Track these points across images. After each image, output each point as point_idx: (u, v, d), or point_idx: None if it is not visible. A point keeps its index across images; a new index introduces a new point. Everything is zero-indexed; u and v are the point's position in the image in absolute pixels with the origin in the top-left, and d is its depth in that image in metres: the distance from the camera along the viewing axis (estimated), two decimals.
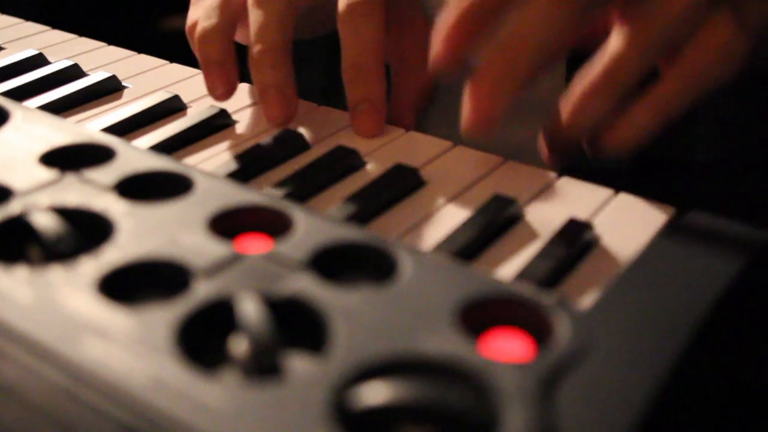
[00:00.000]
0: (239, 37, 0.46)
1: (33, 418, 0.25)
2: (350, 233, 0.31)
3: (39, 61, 0.52)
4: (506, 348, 0.27)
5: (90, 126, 0.42)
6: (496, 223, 0.35)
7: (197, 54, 0.44)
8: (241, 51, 0.46)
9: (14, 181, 0.34)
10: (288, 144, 0.42)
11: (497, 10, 0.36)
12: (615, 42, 0.37)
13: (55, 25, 0.59)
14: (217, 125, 0.44)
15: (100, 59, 0.53)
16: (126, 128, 0.43)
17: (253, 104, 0.47)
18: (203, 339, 0.27)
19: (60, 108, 0.45)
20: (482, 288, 0.28)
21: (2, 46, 0.56)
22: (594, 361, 0.25)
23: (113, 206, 0.33)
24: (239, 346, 0.26)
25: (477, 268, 0.32)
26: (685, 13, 0.36)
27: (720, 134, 0.53)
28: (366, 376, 0.25)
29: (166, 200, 0.33)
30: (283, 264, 0.29)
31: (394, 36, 0.45)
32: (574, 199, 0.37)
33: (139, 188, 0.34)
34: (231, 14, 0.44)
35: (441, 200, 0.37)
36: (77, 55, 0.54)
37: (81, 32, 0.58)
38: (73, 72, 0.50)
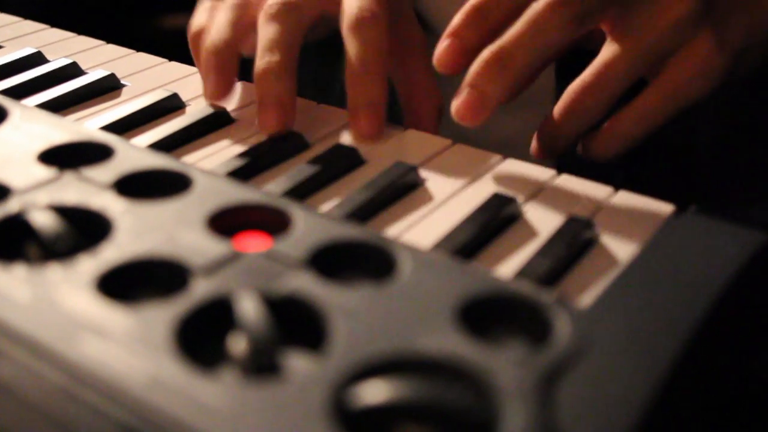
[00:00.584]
0: (245, 50, 0.46)
1: (31, 418, 0.25)
2: (349, 231, 0.31)
3: (37, 59, 0.51)
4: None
5: (88, 124, 0.42)
6: (495, 221, 0.35)
7: (201, 61, 0.45)
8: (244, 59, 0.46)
9: (12, 179, 0.34)
10: (287, 142, 0.42)
11: (501, 18, 0.40)
12: (606, 52, 0.40)
13: (54, 23, 0.59)
14: (216, 124, 0.44)
15: (98, 57, 0.53)
16: (125, 126, 0.43)
17: (252, 103, 0.47)
18: (202, 338, 0.27)
19: (58, 106, 0.45)
20: (482, 286, 0.28)
21: (1, 44, 0.56)
22: (593, 360, 0.25)
23: (112, 204, 0.33)
24: (238, 344, 0.26)
25: (476, 266, 0.32)
26: (671, 28, 0.39)
27: (722, 118, 0.53)
28: (365, 374, 0.25)
29: (164, 199, 0.33)
30: (282, 262, 0.29)
31: (399, 59, 0.46)
32: (573, 197, 0.37)
33: (138, 186, 0.34)
34: (242, 31, 0.46)
35: (440, 198, 0.37)
36: (76, 53, 0.54)
37: (79, 30, 0.58)
38: (72, 70, 0.50)
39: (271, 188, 0.37)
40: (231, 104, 0.46)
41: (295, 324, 0.27)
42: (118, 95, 0.48)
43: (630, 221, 0.35)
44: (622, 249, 0.33)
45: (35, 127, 0.39)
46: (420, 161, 0.40)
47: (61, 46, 0.55)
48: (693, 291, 0.29)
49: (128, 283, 0.29)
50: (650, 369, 0.25)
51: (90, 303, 0.27)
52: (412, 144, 0.42)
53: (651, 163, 0.53)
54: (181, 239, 0.30)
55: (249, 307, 0.26)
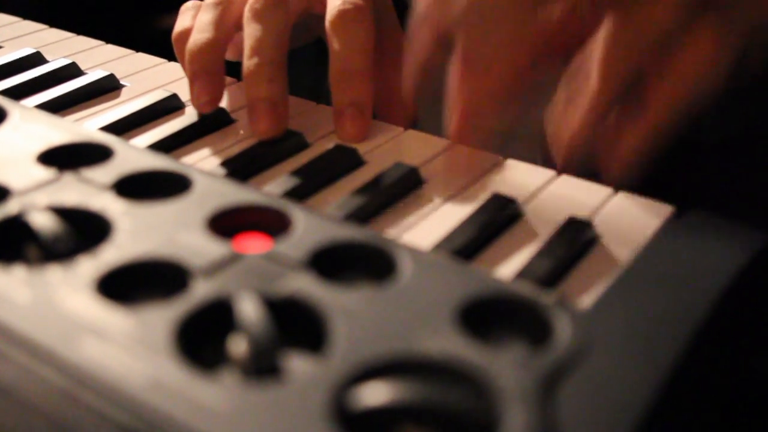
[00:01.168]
0: (229, 55, 0.46)
1: (31, 419, 0.25)
2: (349, 232, 0.31)
3: (37, 59, 0.51)
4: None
5: (88, 125, 0.42)
6: (495, 222, 0.35)
7: (186, 64, 0.44)
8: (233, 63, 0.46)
9: (12, 180, 0.34)
10: (287, 143, 0.42)
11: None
12: (600, 53, 0.36)
13: (53, 23, 0.59)
14: (215, 124, 0.44)
15: (98, 58, 0.53)
16: (124, 127, 0.43)
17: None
18: (202, 339, 0.27)
19: (58, 107, 0.45)
20: (482, 287, 0.28)
21: (0, 44, 0.56)
22: (594, 361, 0.25)
23: (111, 205, 0.32)
24: (238, 346, 0.26)
25: (477, 267, 0.32)
26: (668, 21, 0.36)
27: (727, 113, 0.53)
28: (366, 376, 0.25)
29: (164, 200, 0.33)
30: (282, 263, 0.29)
31: (379, 64, 0.45)
32: (573, 197, 0.37)
33: (138, 187, 0.34)
34: (225, 31, 0.44)
35: (440, 199, 0.37)
36: (75, 53, 0.54)
37: (79, 31, 0.58)
38: (71, 70, 0.50)
39: (271, 189, 0.37)
40: (230, 104, 0.46)
41: (296, 325, 0.27)
42: (118, 96, 0.48)
43: (630, 222, 0.35)
44: (622, 250, 0.33)
45: (34, 128, 0.39)
46: (420, 162, 0.40)
47: (60, 46, 0.55)
48: (693, 292, 0.29)
49: (128, 285, 0.29)
50: (650, 370, 0.25)
51: (90, 304, 0.27)
52: (412, 145, 0.42)
53: (650, 163, 0.53)
54: (181, 240, 0.30)
55: (249, 309, 0.26)
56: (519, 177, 0.39)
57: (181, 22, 0.48)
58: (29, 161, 0.36)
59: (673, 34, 0.37)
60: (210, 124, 0.44)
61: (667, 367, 0.25)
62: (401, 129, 0.44)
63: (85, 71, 0.51)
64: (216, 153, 0.41)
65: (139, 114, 0.44)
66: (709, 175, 0.53)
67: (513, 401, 0.24)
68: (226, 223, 0.32)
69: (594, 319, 0.27)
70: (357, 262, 0.31)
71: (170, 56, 0.54)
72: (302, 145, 0.42)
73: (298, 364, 0.26)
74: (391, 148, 0.42)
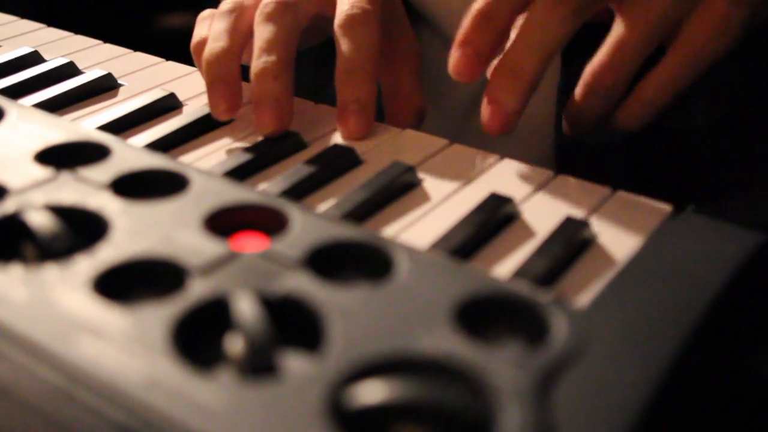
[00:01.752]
0: (246, 59, 0.46)
1: (27, 418, 0.25)
2: (346, 231, 0.31)
3: (34, 58, 0.51)
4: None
5: (85, 124, 0.42)
6: (492, 221, 0.35)
7: (204, 73, 0.45)
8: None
9: (9, 179, 0.34)
10: (284, 142, 0.42)
11: (506, 17, 0.40)
12: (617, 28, 0.40)
13: (51, 22, 0.59)
14: (213, 123, 0.44)
15: (95, 57, 0.53)
16: (121, 126, 0.43)
17: (249, 103, 0.47)
18: (199, 338, 0.27)
19: (55, 106, 0.45)
20: (479, 286, 0.28)
21: None
22: (591, 360, 0.25)
23: (108, 204, 0.33)
24: (235, 345, 0.26)
25: (474, 266, 0.32)
26: None
27: (719, 98, 0.53)
28: (362, 374, 0.25)
29: (161, 199, 0.33)
30: (279, 262, 0.29)
31: (387, 61, 0.47)
32: (570, 197, 0.37)
33: (135, 186, 0.34)
34: (240, 37, 0.45)
35: (437, 198, 0.37)
36: (73, 52, 0.54)
37: (76, 30, 0.58)
38: (69, 70, 0.50)
39: (269, 188, 0.37)
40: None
41: (292, 324, 0.27)
42: (115, 95, 0.48)
43: (628, 221, 0.35)
44: (619, 249, 0.33)
45: (32, 127, 0.39)
46: (417, 161, 0.40)
47: (58, 45, 0.55)
48: (691, 291, 0.29)
49: (125, 283, 0.29)
50: (648, 369, 0.25)
51: (87, 303, 0.27)
52: (410, 144, 0.42)
53: (649, 161, 0.53)
54: (178, 239, 0.30)
55: (246, 308, 0.26)
56: (516, 176, 0.39)
57: (198, 31, 0.48)
58: (27, 160, 0.36)
59: (687, 4, 0.39)
60: (207, 124, 0.44)
61: (664, 366, 0.25)
62: (398, 128, 0.44)
63: (83, 70, 0.50)
64: (213, 152, 0.41)
65: (136, 113, 0.44)
66: (703, 179, 0.54)
67: (509, 400, 0.24)
68: (224, 222, 0.32)
69: (591, 319, 0.27)
70: (354, 261, 0.31)
71: (168, 56, 0.54)
72: (300, 145, 0.42)
73: (294, 363, 0.26)
74: (388, 148, 0.42)
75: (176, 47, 0.55)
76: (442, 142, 0.42)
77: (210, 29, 0.46)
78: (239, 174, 0.39)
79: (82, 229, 0.31)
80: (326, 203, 0.37)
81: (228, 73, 0.44)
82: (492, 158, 0.40)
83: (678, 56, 0.40)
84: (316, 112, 0.46)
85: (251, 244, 0.31)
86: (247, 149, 0.41)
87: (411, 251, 0.30)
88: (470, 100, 0.57)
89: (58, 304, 0.27)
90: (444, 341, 0.26)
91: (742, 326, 0.33)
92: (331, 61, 0.45)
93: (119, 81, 0.49)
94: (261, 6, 0.45)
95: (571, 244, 0.33)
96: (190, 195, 0.33)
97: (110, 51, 0.55)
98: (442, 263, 0.30)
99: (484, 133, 0.41)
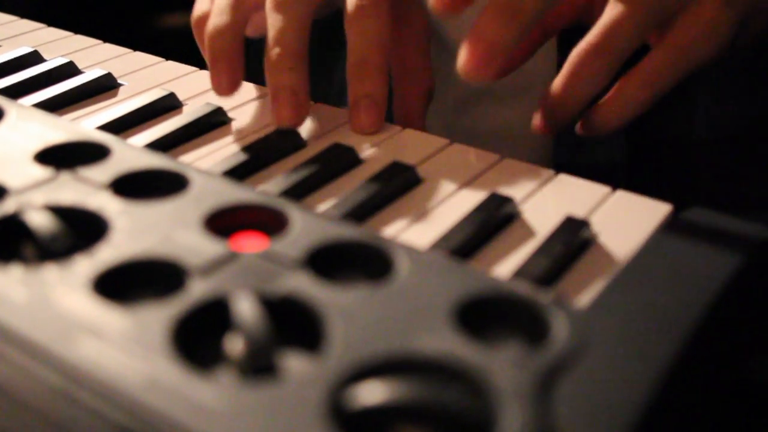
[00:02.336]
0: (249, 32, 0.46)
1: (27, 419, 0.25)
2: (346, 231, 0.31)
3: (34, 58, 0.51)
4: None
5: (85, 124, 0.42)
6: (492, 221, 0.35)
7: (205, 48, 0.44)
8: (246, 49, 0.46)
9: (9, 179, 0.34)
10: (284, 141, 0.42)
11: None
12: (610, 12, 0.38)
13: (51, 22, 0.59)
14: (213, 123, 0.44)
15: (95, 57, 0.53)
16: (121, 126, 0.43)
17: (249, 102, 0.47)
18: (198, 338, 0.27)
19: (55, 106, 0.45)
20: (479, 286, 0.28)
21: None
22: (592, 360, 0.25)
23: (108, 205, 0.32)
24: (235, 345, 0.26)
25: (474, 266, 0.32)
26: None
27: (719, 110, 0.53)
28: (362, 375, 0.25)
29: (161, 198, 0.33)
30: (279, 262, 0.29)
31: (396, 41, 0.46)
32: (571, 196, 0.37)
33: (135, 186, 0.34)
34: (243, 13, 0.44)
35: (437, 198, 0.37)
36: (72, 52, 0.54)
37: (76, 29, 0.58)
38: (69, 69, 0.50)
39: (268, 188, 0.37)
40: (228, 103, 0.46)
41: (292, 325, 0.27)
42: (115, 94, 0.48)
43: (628, 221, 0.35)
44: (620, 249, 0.33)
45: (31, 127, 0.39)
46: (417, 161, 0.40)
47: (57, 45, 0.55)
48: (691, 291, 0.29)
49: (125, 284, 0.29)
50: (648, 369, 0.25)
51: (86, 303, 0.27)
52: (410, 143, 0.42)
53: (649, 162, 0.53)
54: (178, 239, 0.30)
55: (246, 308, 0.26)
56: (516, 176, 0.39)
57: (200, 6, 0.48)
58: (26, 160, 0.36)
59: (678, 3, 0.39)
60: (207, 123, 0.44)
61: (665, 366, 0.25)
62: (399, 128, 0.44)
63: (83, 70, 0.50)
64: (213, 152, 0.41)
65: (136, 113, 0.44)
66: (702, 172, 0.54)
67: (510, 400, 0.24)
68: (223, 222, 0.32)
69: (591, 318, 0.27)
70: (354, 261, 0.30)
71: (168, 55, 0.54)
72: (299, 144, 0.42)
73: (294, 363, 0.26)
74: (388, 147, 0.42)
75: (176, 47, 0.55)
76: (442, 141, 0.42)
77: (212, 3, 0.46)
78: (239, 174, 0.39)
79: (81, 229, 0.31)
80: (326, 203, 0.37)
81: (231, 49, 0.43)
82: (492, 157, 0.40)
83: (663, 53, 0.39)
84: (316, 111, 0.46)
85: (251, 244, 0.31)
86: (246, 149, 0.41)
87: (411, 251, 0.30)
88: (463, 99, 0.57)
89: (57, 304, 0.27)
90: (444, 341, 0.26)
91: (742, 326, 0.32)
92: (336, 44, 0.44)
93: (119, 81, 0.49)
94: None
95: (571, 244, 0.33)
96: (190, 195, 0.33)
97: (110, 51, 0.55)
98: (442, 263, 0.30)
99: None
